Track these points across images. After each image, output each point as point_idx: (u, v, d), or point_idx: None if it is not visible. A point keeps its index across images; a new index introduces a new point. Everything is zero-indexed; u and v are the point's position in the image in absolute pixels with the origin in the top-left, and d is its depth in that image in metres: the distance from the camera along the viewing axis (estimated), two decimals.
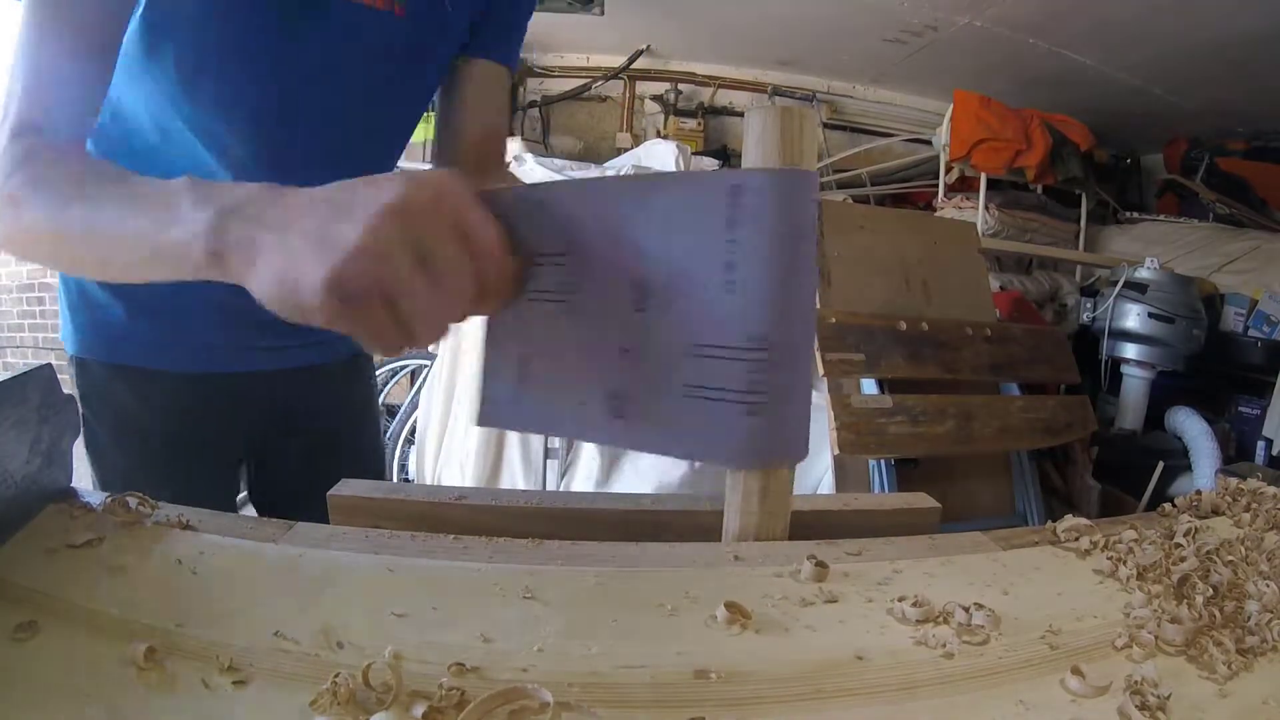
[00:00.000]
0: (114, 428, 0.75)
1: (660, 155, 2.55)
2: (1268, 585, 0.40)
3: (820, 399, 1.62)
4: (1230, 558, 0.44)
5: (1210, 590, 0.40)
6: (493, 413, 0.47)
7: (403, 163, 0.85)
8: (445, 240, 0.36)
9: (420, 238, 0.35)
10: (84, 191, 0.47)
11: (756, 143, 0.44)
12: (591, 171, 2.46)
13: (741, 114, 2.30)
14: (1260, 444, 2.48)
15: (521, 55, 0.88)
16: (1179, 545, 0.46)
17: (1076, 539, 0.48)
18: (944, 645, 0.35)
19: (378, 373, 1.87)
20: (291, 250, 0.36)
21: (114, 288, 0.72)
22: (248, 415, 0.81)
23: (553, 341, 0.44)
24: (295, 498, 0.72)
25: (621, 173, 2.45)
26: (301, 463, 0.84)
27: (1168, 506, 0.55)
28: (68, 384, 0.52)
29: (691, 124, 3.16)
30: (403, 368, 2.68)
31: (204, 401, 0.77)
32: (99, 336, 0.74)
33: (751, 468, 0.45)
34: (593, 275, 0.42)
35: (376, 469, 0.95)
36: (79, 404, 0.72)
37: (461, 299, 0.37)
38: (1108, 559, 0.45)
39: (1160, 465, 2.30)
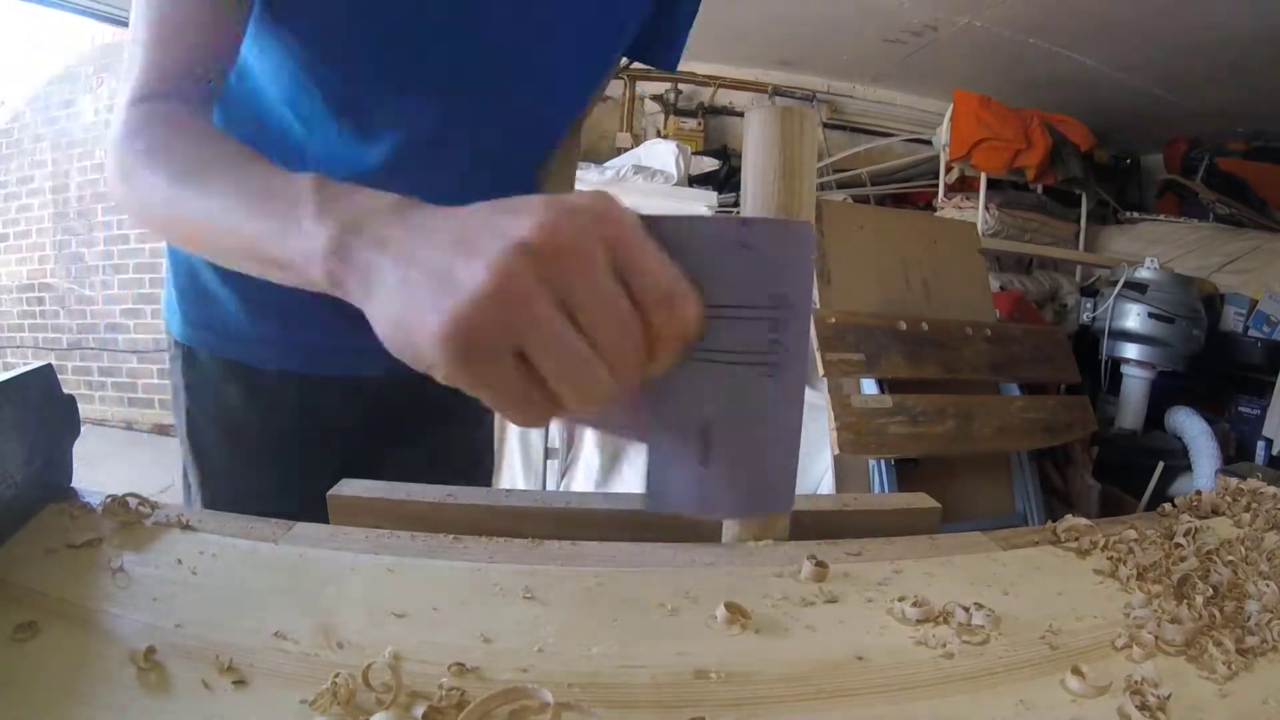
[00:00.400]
0: (220, 425, 0.71)
1: (660, 155, 2.55)
2: (1268, 585, 0.40)
3: (820, 399, 1.62)
4: (1230, 558, 0.44)
5: (1210, 590, 0.40)
6: (668, 498, 0.36)
7: None
8: (599, 282, 0.29)
9: (567, 279, 0.28)
10: (200, 172, 0.42)
11: (756, 143, 0.44)
12: (590, 172, 2.46)
13: (741, 114, 2.30)
14: (1260, 444, 2.48)
15: None
16: (1179, 545, 0.46)
17: (1076, 539, 0.48)
18: (944, 645, 0.35)
19: None
20: (411, 288, 0.30)
21: (230, 281, 0.67)
22: (355, 422, 0.75)
23: (744, 412, 0.35)
24: None
25: (621, 172, 2.45)
26: (408, 476, 0.78)
27: (1168, 506, 0.55)
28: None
29: (691, 124, 3.15)
30: None
31: (311, 405, 0.71)
32: (210, 330, 0.70)
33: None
34: (794, 332, 0.35)
35: (483, 484, 0.88)
36: (184, 395, 0.71)
37: (624, 354, 0.29)
38: (1108, 559, 0.45)
39: (1160, 465, 2.31)
